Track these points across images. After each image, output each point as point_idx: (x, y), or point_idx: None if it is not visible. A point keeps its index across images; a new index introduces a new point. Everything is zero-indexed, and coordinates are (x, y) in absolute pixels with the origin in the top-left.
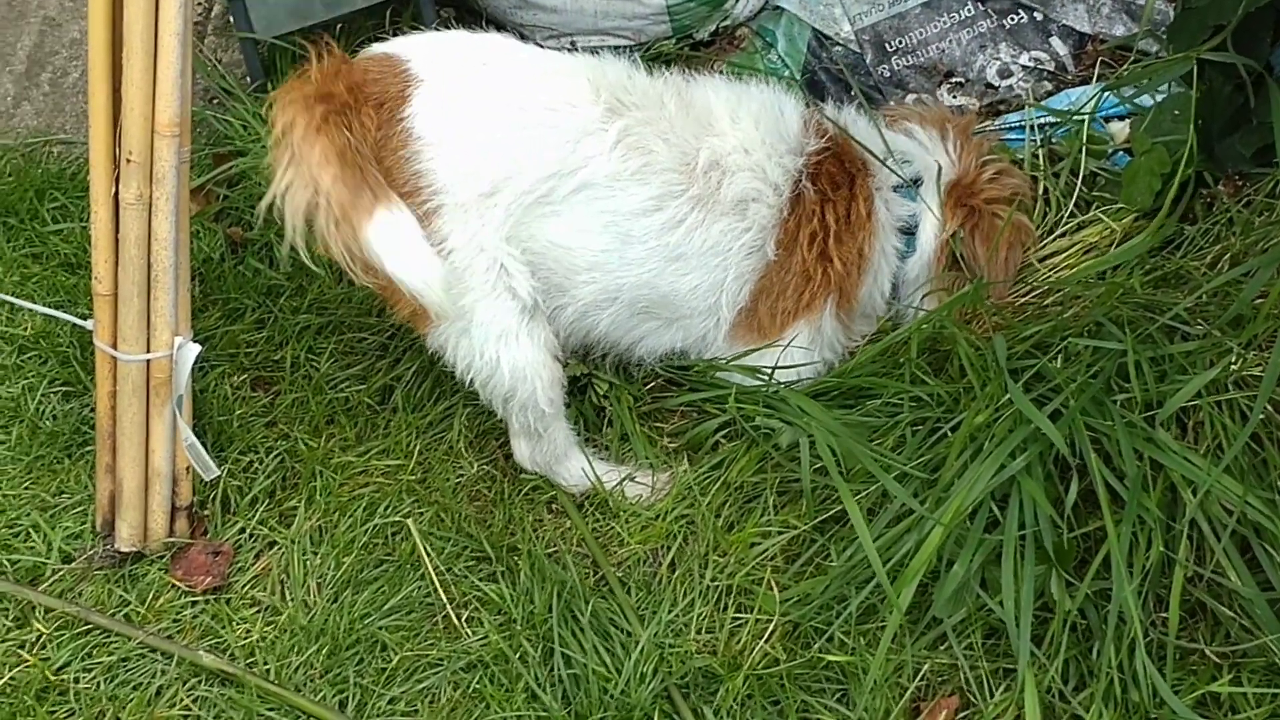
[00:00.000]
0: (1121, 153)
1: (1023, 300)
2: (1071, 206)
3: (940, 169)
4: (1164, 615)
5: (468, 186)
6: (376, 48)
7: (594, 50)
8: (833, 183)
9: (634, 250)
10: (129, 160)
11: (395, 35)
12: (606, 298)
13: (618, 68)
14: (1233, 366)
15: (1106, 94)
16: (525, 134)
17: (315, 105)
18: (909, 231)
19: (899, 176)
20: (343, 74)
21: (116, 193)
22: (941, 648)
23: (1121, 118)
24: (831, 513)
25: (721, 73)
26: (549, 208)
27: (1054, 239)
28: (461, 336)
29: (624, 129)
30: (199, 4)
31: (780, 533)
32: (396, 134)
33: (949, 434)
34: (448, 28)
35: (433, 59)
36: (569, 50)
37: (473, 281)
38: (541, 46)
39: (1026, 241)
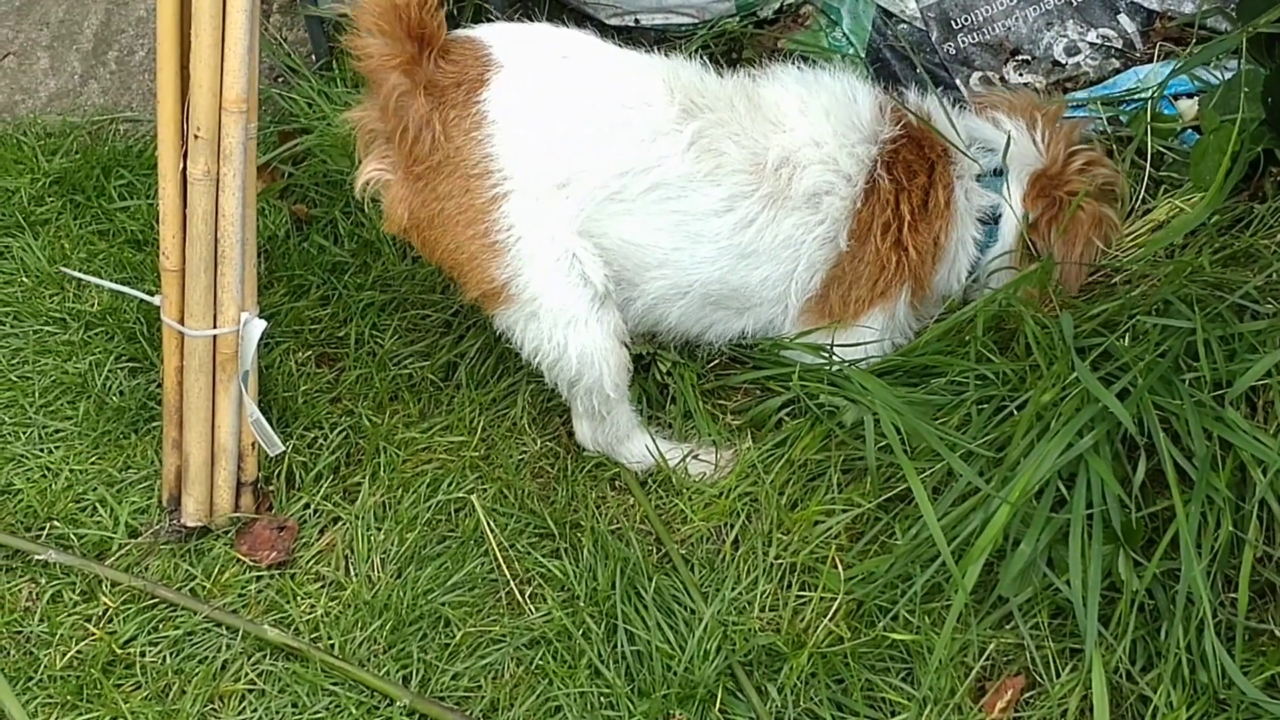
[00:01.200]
0: (1190, 131)
1: (1090, 279)
2: (1142, 191)
3: (1008, 147)
4: (1233, 596)
5: (540, 175)
6: (459, 32)
7: (659, 28)
8: (909, 170)
9: (704, 249)
10: (196, 136)
11: (458, 13)
12: (676, 292)
13: (691, 70)
14: None
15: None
16: (601, 130)
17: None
18: (989, 221)
19: (979, 166)
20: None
21: (184, 169)
22: (1007, 627)
23: (1190, 95)
24: (896, 491)
25: (790, 54)
26: (621, 205)
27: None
28: (530, 320)
29: (698, 131)
30: None
31: (844, 511)
32: (471, 115)
33: (1015, 413)
34: (512, 4)
35: (514, 47)
36: (634, 25)
37: (543, 268)
38: (605, 24)
39: (1110, 234)
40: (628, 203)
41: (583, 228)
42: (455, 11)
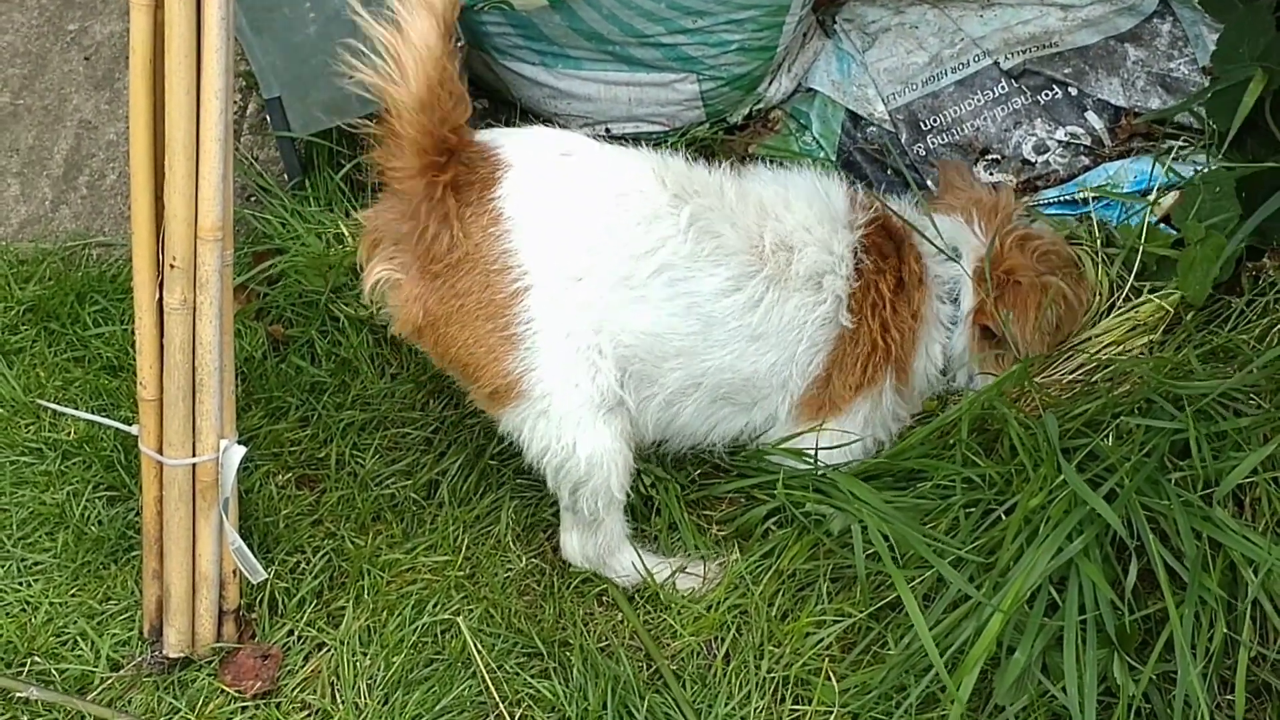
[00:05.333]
0: (1164, 226)
1: (1070, 378)
2: (1126, 291)
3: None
4: (1229, 697)
5: (558, 269)
6: None
7: (629, 136)
8: (882, 253)
9: (717, 332)
10: (173, 266)
11: None
12: (691, 383)
13: (678, 160)
14: None
15: (1144, 167)
16: (605, 218)
17: None
18: (954, 300)
19: (938, 247)
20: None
21: (160, 299)
22: None
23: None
24: (887, 600)
25: (760, 159)
26: (633, 291)
27: (1102, 318)
28: (539, 419)
29: (693, 214)
30: (234, 104)
31: (836, 621)
32: (486, 212)
33: (1003, 516)
34: (482, 119)
35: (520, 147)
36: (605, 135)
37: (558, 364)
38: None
39: (1059, 298)
40: (639, 289)
41: (600, 324)
42: None
